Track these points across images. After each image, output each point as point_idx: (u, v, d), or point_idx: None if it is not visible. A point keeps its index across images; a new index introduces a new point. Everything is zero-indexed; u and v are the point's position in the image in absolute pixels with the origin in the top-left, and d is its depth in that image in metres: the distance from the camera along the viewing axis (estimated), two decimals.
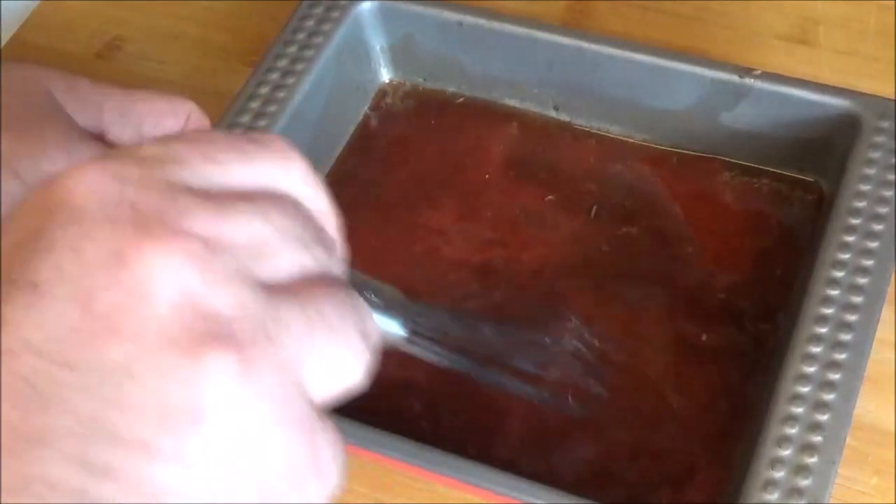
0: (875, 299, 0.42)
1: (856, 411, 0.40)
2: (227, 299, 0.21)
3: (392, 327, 0.30)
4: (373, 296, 0.29)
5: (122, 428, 0.20)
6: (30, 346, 0.20)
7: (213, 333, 0.21)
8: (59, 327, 0.20)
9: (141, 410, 0.20)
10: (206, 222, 0.22)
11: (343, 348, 0.23)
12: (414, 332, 0.31)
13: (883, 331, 0.42)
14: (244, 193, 0.23)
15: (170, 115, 0.46)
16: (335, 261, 0.25)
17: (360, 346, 0.24)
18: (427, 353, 0.33)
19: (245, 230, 0.22)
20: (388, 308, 0.30)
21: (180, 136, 0.24)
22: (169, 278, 0.21)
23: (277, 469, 0.21)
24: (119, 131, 0.45)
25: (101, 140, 0.44)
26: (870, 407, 0.45)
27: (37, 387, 0.20)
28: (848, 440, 0.39)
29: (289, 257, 0.23)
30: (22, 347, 0.20)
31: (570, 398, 0.43)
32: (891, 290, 0.42)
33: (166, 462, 0.20)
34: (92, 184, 0.22)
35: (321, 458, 0.22)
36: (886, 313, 0.42)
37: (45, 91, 0.42)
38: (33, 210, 0.22)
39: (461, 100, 0.54)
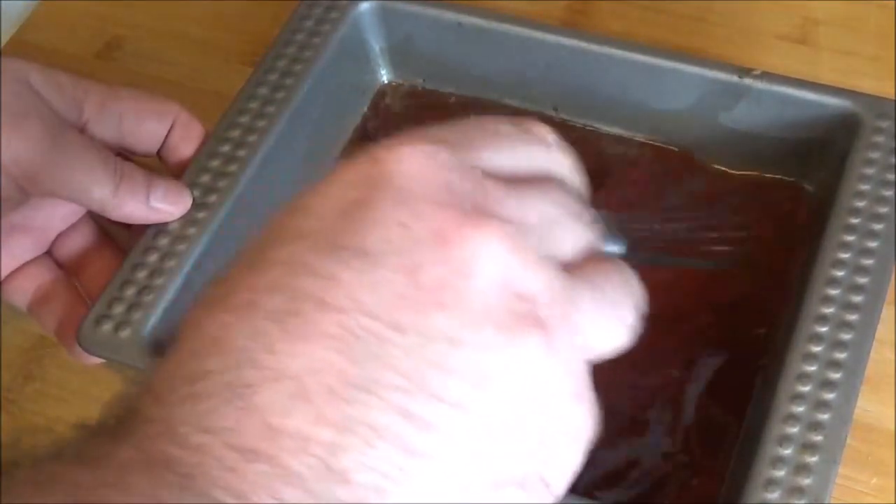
0: (875, 298, 0.42)
1: (856, 411, 0.40)
2: (537, 281, 0.23)
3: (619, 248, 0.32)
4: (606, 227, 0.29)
5: (442, 388, 0.22)
6: (361, 306, 0.22)
7: (526, 313, 0.23)
8: (389, 292, 0.22)
9: (461, 375, 0.22)
10: (512, 207, 0.24)
11: (620, 322, 0.26)
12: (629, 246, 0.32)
13: (883, 331, 0.42)
14: (525, 177, 0.26)
15: (153, 116, 0.46)
16: (599, 235, 0.27)
17: (633, 317, 0.26)
18: (642, 258, 0.34)
19: (537, 212, 0.25)
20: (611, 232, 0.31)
21: (466, 124, 0.26)
22: (490, 259, 0.23)
23: (562, 433, 0.24)
24: (98, 127, 0.45)
25: (83, 134, 0.44)
26: (870, 407, 0.45)
27: (365, 341, 0.22)
28: (848, 440, 0.39)
29: (571, 235, 0.25)
30: (353, 306, 0.22)
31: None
32: (890, 289, 0.42)
33: (476, 423, 0.22)
34: (413, 165, 0.24)
35: (590, 424, 0.25)
36: (886, 313, 0.42)
37: (26, 83, 0.42)
38: (352, 181, 0.24)
39: (460, 100, 0.54)
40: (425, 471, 0.22)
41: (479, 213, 0.23)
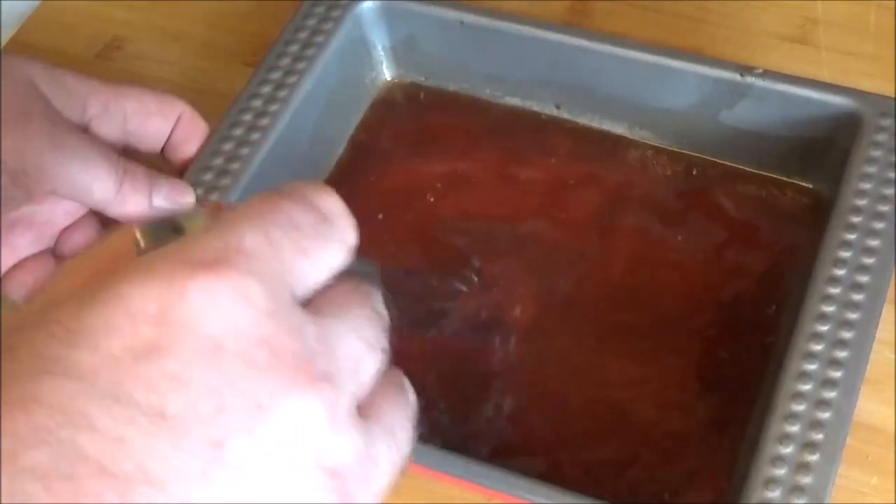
0: (876, 297, 0.42)
1: (856, 411, 0.40)
2: (347, 452, 0.22)
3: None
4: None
5: None
6: (150, 478, 0.19)
7: (329, 488, 0.21)
8: (187, 467, 0.20)
9: None
10: (325, 357, 0.22)
11: (399, 459, 0.24)
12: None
13: (882, 330, 0.42)
14: (331, 296, 0.23)
15: (157, 114, 0.46)
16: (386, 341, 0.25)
17: (410, 440, 0.25)
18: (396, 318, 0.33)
19: (345, 352, 0.23)
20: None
21: (263, 217, 0.23)
22: (306, 433, 0.21)
23: None
24: (102, 125, 0.45)
25: (85, 132, 0.44)
26: (870, 407, 0.44)
27: None
28: (848, 440, 0.39)
29: (372, 364, 0.24)
30: (140, 478, 0.19)
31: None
32: (890, 289, 0.42)
33: None
34: (223, 310, 0.21)
35: None
36: (886, 313, 0.42)
37: (29, 82, 0.42)
38: (146, 315, 0.21)
39: (462, 99, 0.54)
40: None
41: (296, 374, 0.21)
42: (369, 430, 0.23)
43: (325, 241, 0.24)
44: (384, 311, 0.25)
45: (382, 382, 0.24)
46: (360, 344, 0.23)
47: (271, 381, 0.21)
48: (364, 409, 0.23)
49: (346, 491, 0.22)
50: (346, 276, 0.25)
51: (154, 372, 0.20)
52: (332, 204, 0.25)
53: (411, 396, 0.26)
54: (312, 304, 0.23)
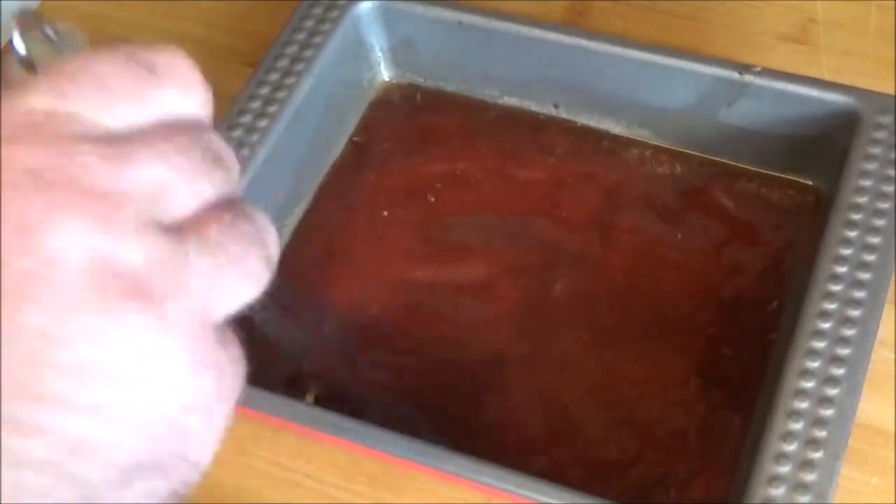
0: (877, 294, 0.42)
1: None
2: (136, 253, 0.21)
3: None
4: None
5: (44, 387, 0.21)
6: None
7: (125, 289, 0.21)
8: None
9: (61, 370, 0.21)
10: (106, 177, 0.22)
11: (248, 279, 0.24)
12: None
13: (882, 331, 0.42)
14: (142, 130, 0.23)
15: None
16: (233, 179, 0.25)
17: (262, 272, 0.25)
18: None
19: (145, 175, 0.22)
20: None
21: (72, 72, 0.23)
22: (75, 242, 0.21)
23: (189, 406, 0.22)
24: None
25: None
26: (870, 407, 0.44)
27: None
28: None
29: (190, 192, 0.23)
30: None
31: None
32: (890, 289, 0.42)
33: (89, 415, 0.21)
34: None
35: (225, 384, 0.23)
36: (886, 313, 0.42)
37: None
38: None
39: (461, 99, 0.54)
40: (41, 480, 0.20)
41: (64, 192, 0.21)
42: (180, 241, 0.22)
43: (138, 93, 0.24)
44: (226, 156, 0.25)
45: (222, 211, 0.24)
46: (168, 171, 0.23)
47: (35, 203, 0.21)
48: (180, 230, 0.23)
49: (138, 291, 0.21)
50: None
51: None
52: (167, 59, 0.25)
53: (264, 228, 0.25)
54: (132, 139, 0.23)
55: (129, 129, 0.23)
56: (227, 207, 0.24)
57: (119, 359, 0.21)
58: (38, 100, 0.23)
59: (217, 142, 0.25)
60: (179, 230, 0.23)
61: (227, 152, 0.25)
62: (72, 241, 0.21)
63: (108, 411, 0.21)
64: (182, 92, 0.24)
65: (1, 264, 0.21)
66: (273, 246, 0.25)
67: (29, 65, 0.26)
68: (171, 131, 0.24)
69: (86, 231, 0.21)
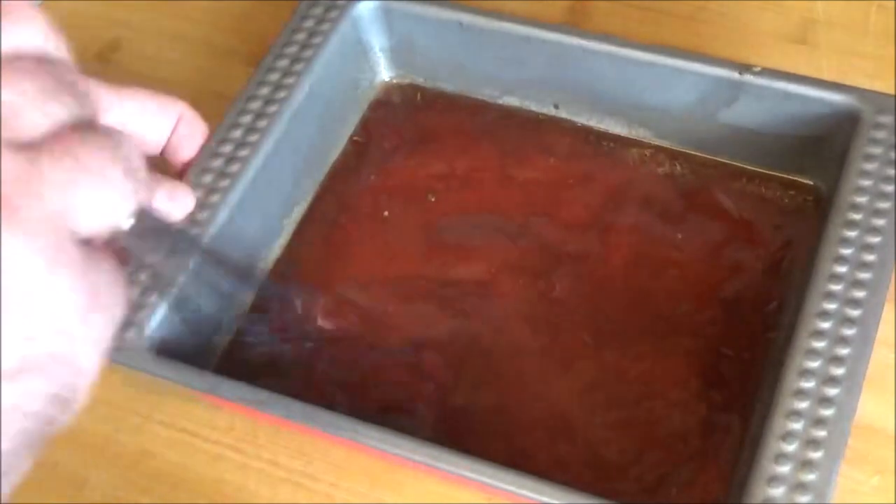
0: (877, 294, 0.42)
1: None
2: None
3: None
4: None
5: None
6: None
7: None
8: None
9: None
10: None
11: (105, 188, 0.26)
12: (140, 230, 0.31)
13: (882, 330, 0.42)
14: None
15: (157, 115, 0.46)
16: (89, 106, 0.27)
17: (122, 183, 0.26)
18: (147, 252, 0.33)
19: None
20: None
21: None
22: None
23: (59, 308, 0.24)
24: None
25: None
26: (870, 407, 0.44)
27: None
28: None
29: (39, 114, 0.25)
30: None
31: None
32: (890, 289, 0.42)
33: None
34: None
35: (100, 292, 0.25)
36: (886, 312, 0.42)
37: None
38: None
39: (461, 99, 0.54)
40: None
41: None
42: (31, 151, 0.24)
43: None
44: (78, 82, 0.27)
45: (82, 131, 0.26)
46: (16, 95, 0.25)
47: None
48: (33, 147, 0.25)
49: None
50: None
51: None
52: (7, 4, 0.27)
53: (125, 147, 0.26)
54: None
55: None
56: (82, 127, 0.26)
57: None
58: None
59: (68, 70, 0.27)
60: (31, 147, 0.25)
61: (79, 78, 0.27)
62: None
63: None
64: (21, 26, 0.27)
65: None
66: (136, 165, 0.27)
67: None
68: (17, 61, 0.26)
69: None
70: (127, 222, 0.27)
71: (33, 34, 0.27)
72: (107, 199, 0.26)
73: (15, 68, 0.26)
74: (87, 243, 0.25)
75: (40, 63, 0.26)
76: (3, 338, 0.23)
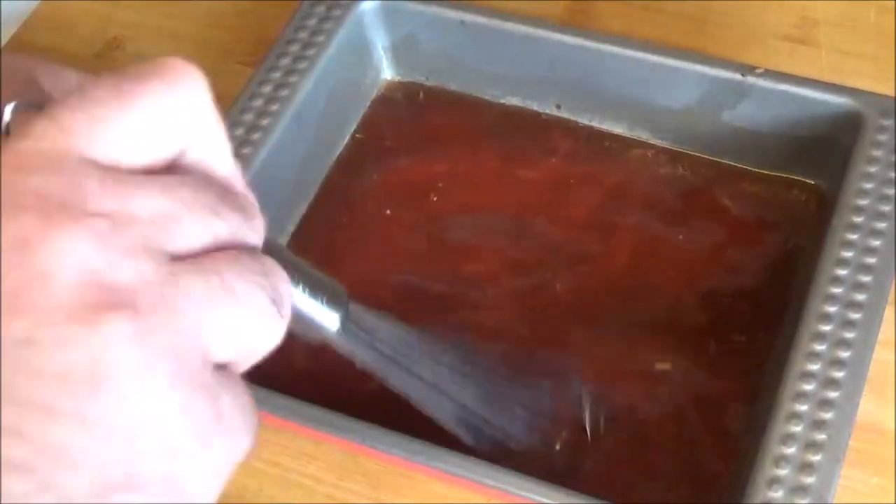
0: (878, 296, 0.42)
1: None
2: (126, 271, 0.22)
3: (325, 318, 0.30)
4: (301, 285, 0.29)
5: (27, 393, 0.21)
6: None
7: (110, 302, 0.22)
8: None
9: (44, 376, 0.21)
10: (109, 201, 0.23)
11: (247, 313, 0.24)
12: (348, 330, 0.31)
13: (883, 331, 0.42)
14: (151, 168, 0.24)
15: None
16: (252, 227, 0.26)
17: (267, 309, 0.25)
18: (359, 354, 0.32)
19: (150, 204, 0.23)
20: (320, 297, 0.30)
21: (83, 106, 0.24)
22: (69, 257, 0.22)
23: (179, 428, 0.23)
24: None
25: None
26: (870, 407, 0.44)
27: None
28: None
29: (198, 227, 0.24)
30: None
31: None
32: (891, 292, 0.42)
33: (69, 424, 0.21)
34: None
35: (225, 418, 0.23)
36: (886, 313, 0.42)
37: (31, 79, 0.42)
38: None
39: (463, 98, 0.54)
40: (19, 486, 0.21)
41: (65, 212, 0.22)
42: (177, 265, 0.23)
43: (151, 122, 0.24)
44: (248, 206, 0.26)
45: (231, 251, 0.24)
46: (174, 204, 0.24)
47: (35, 219, 0.22)
48: (182, 260, 0.24)
49: (123, 303, 0.22)
50: None
51: None
52: (181, 74, 0.26)
53: (272, 272, 0.25)
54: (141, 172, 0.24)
55: (141, 164, 0.24)
56: (237, 248, 0.25)
57: (99, 368, 0.22)
58: (45, 127, 0.23)
59: (242, 192, 0.26)
60: (182, 259, 0.23)
61: (251, 202, 0.26)
62: (66, 256, 0.22)
63: (90, 421, 0.22)
64: (196, 136, 0.25)
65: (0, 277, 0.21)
66: (284, 293, 0.25)
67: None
68: (180, 172, 0.25)
69: (81, 247, 0.22)
70: (266, 355, 0.25)
71: (204, 148, 0.25)
72: (248, 323, 0.24)
73: (181, 176, 0.24)
74: (222, 368, 0.24)
75: (207, 177, 0.25)
76: (109, 447, 0.22)
